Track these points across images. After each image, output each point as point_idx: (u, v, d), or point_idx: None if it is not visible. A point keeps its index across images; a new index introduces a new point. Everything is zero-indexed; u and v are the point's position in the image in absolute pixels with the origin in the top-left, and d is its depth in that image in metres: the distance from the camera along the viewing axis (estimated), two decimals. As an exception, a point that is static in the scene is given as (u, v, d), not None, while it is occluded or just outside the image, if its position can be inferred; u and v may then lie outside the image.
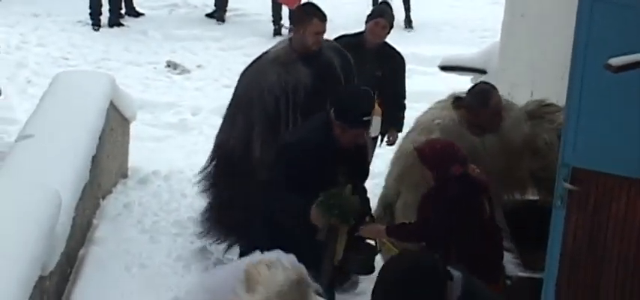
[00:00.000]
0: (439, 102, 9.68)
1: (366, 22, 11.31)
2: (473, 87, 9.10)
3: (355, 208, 7.96)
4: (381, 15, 11.36)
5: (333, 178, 7.97)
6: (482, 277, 8.11)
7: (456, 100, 9.06)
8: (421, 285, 5.05)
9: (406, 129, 11.09)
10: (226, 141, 10.05)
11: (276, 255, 4.49)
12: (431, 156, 8.03)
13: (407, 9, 22.09)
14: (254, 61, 10.27)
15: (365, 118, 7.90)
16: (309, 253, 7.44)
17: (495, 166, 8.36)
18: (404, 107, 11.79)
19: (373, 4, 21.28)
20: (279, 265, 4.26)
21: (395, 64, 11.54)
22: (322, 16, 9.58)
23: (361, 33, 11.28)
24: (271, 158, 9.16)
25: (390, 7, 11.69)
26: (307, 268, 7.83)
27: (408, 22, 22.05)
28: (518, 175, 9.14)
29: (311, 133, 8.30)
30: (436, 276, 5.15)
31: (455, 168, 7.98)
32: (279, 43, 10.22)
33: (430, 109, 9.63)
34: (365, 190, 8.60)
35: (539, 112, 9.15)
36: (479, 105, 8.71)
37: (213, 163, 10.29)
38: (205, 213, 10.46)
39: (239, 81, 10.27)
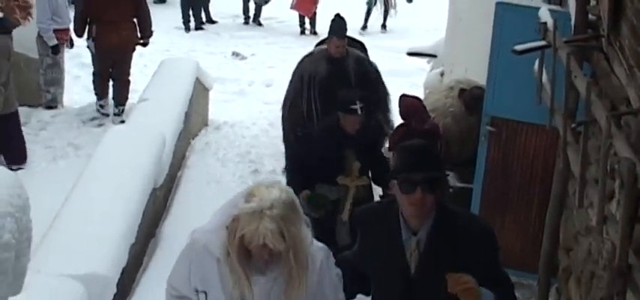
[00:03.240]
0: (439, 88, 9.83)
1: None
2: (473, 88, 8.95)
3: (327, 201, 7.42)
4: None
5: (342, 156, 7.48)
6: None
7: (461, 91, 9.00)
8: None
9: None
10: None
11: (276, 182, 4.18)
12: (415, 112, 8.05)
13: (384, 18, 21.93)
14: (301, 62, 9.81)
15: (351, 107, 7.29)
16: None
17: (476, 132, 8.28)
18: None
19: (366, 15, 21.26)
20: (276, 187, 3.94)
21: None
22: (340, 36, 9.29)
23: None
24: (293, 118, 9.36)
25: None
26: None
27: (383, 27, 21.88)
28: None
29: (323, 126, 7.85)
30: None
31: (426, 116, 8.03)
32: (321, 46, 9.82)
33: (436, 94, 9.56)
34: (380, 164, 7.75)
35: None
36: (474, 105, 8.64)
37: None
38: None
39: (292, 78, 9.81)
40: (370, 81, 9.42)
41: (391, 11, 21.87)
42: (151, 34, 12.66)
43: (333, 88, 8.75)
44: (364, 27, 21.13)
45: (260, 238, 3.78)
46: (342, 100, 7.45)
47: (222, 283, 3.99)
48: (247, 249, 3.88)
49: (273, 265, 3.97)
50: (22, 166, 10.29)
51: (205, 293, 4.06)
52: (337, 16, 9.49)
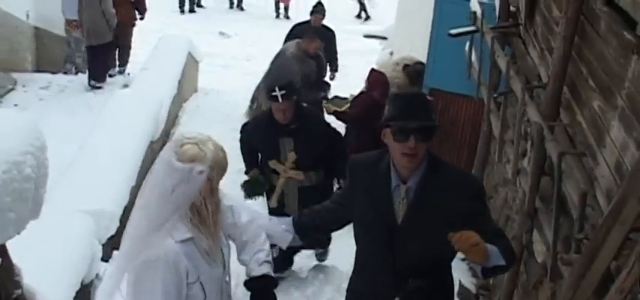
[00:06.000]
0: (389, 63, 9.59)
1: (311, 14, 10.53)
2: (415, 64, 8.92)
3: (261, 189, 6.37)
4: (317, 11, 10.45)
5: (276, 146, 6.14)
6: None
7: (405, 66, 8.96)
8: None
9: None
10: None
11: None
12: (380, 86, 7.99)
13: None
14: (277, 57, 9.03)
15: (273, 94, 5.88)
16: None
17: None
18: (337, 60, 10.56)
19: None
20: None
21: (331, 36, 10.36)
22: (318, 38, 8.82)
23: (309, 21, 10.46)
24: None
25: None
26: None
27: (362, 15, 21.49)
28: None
29: (261, 115, 6.65)
30: None
31: (387, 90, 7.94)
32: (291, 44, 8.96)
33: (385, 68, 9.48)
34: (337, 158, 6.21)
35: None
36: (416, 78, 8.63)
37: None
38: None
39: (269, 70, 9.05)
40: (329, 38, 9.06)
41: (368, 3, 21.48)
42: (145, 10, 12.90)
43: (318, 81, 8.47)
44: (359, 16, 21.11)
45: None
46: (266, 87, 6.36)
47: (202, 254, 3.34)
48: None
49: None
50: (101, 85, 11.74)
51: (198, 278, 3.33)
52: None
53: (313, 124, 6.22)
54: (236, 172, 6.48)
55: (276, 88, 5.87)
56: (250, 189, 6.28)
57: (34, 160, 2.36)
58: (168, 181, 3.15)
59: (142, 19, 13.05)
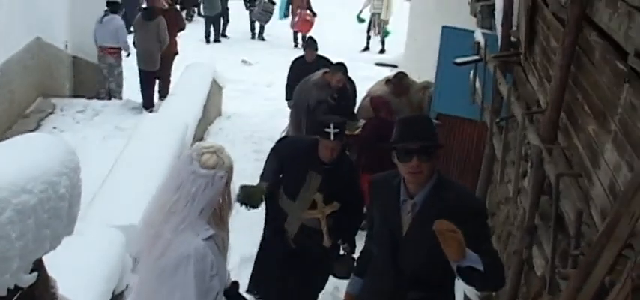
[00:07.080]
0: (378, 82, 9.68)
1: (304, 49, 10.41)
2: (396, 74, 9.11)
3: (256, 201, 5.56)
4: (308, 47, 10.24)
5: (303, 176, 5.61)
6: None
7: (387, 80, 9.10)
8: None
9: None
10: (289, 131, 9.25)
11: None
12: (383, 106, 8.06)
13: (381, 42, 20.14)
14: (304, 83, 8.89)
15: (326, 130, 5.40)
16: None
17: (404, 114, 8.33)
18: None
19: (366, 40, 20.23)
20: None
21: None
22: (342, 71, 8.57)
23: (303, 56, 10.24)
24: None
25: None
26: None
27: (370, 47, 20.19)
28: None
29: (302, 140, 6.32)
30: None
31: (392, 109, 8.04)
32: (317, 74, 8.77)
33: (374, 85, 9.62)
34: (352, 215, 5.78)
35: (424, 87, 9.12)
36: (400, 87, 8.74)
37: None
38: None
39: (294, 94, 9.11)
40: (348, 94, 8.89)
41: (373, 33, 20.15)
42: (184, 26, 13.54)
43: (339, 108, 8.23)
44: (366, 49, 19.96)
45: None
46: (319, 121, 5.74)
47: (220, 249, 3.44)
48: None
49: None
50: (152, 109, 12.02)
51: (217, 271, 3.39)
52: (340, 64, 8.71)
53: (345, 172, 5.74)
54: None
55: (331, 126, 5.43)
56: (248, 196, 5.54)
57: (69, 180, 2.39)
58: (193, 186, 3.27)
59: (180, 30, 13.26)
